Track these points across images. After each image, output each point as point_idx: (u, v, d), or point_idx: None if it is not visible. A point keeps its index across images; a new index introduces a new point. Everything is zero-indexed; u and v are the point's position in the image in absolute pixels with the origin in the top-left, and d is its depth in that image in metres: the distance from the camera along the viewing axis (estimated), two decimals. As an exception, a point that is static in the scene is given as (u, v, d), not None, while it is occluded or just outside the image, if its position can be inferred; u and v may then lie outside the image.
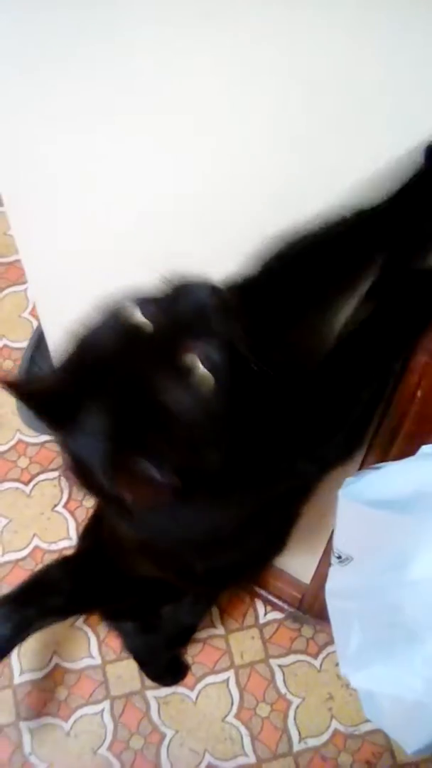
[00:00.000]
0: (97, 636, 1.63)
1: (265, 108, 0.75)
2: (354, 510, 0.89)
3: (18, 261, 2.00)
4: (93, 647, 1.62)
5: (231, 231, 0.88)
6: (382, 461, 0.95)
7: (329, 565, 1.01)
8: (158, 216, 0.92)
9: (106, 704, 1.58)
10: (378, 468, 0.91)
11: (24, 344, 1.88)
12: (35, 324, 1.92)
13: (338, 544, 0.95)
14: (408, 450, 0.92)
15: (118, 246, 1.01)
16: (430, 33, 0.64)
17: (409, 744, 0.97)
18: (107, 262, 1.05)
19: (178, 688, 1.59)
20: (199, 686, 1.59)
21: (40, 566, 1.68)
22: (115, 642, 1.62)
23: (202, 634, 1.63)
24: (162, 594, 1.34)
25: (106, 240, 1.01)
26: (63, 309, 1.22)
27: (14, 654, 1.59)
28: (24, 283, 1.99)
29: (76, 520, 1.73)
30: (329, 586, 0.99)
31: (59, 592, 1.28)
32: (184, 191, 0.88)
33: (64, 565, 1.36)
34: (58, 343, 1.29)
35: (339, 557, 0.96)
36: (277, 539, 1.17)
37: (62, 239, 1.06)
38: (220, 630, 1.64)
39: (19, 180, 1.00)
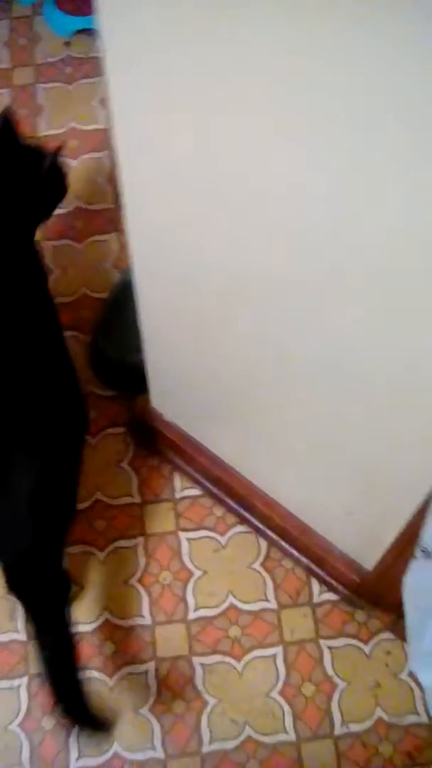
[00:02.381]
0: (150, 595, 1.62)
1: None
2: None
3: (105, 210, 1.99)
4: (144, 606, 1.61)
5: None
6: None
7: (409, 558, 0.98)
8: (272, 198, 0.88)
9: (151, 665, 1.57)
10: None
11: (104, 295, 1.87)
12: (117, 275, 1.90)
13: (427, 539, 0.91)
14: None
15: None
16: None
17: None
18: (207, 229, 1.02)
19: (225, 658, 1.57)
20: (247, 658, 1.58)
21: (101, 520, 1.68)
22: (167, 602, 1.61)
23: (253, 607, 1.62)
24: None
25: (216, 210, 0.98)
26: (158, 260, 1.19)
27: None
28: (108, 232, 1.97)
29: (139, 477, 1.72)
30: (410, 580, 0.96)
31: None
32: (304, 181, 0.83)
33: None
34: (149, 295, 1.27)
35: (424, 551, 0.93)
36: None
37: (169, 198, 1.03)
38: (272, 604, 1.62)
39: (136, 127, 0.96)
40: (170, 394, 1.57)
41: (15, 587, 1.29)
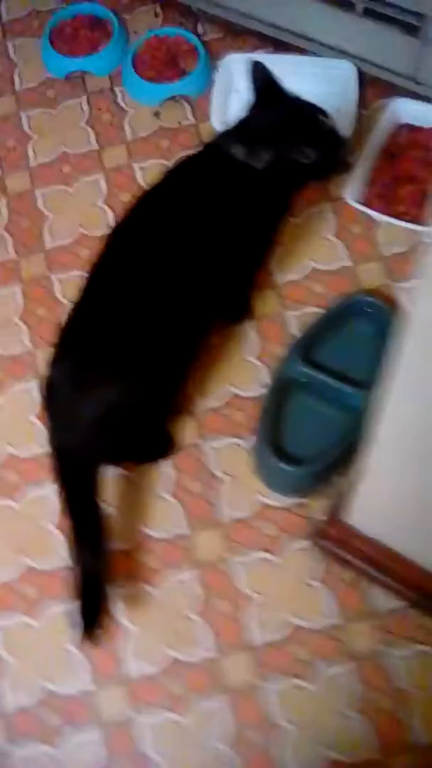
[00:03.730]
0: (374, 725, 1.48)
1: None
2: None
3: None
4: (371, 735, 1.48)
5: None
6: None
7: None
8: None
9: None
10: None
11: (253, 393, 1.73)
12: (264, 370, 1.76)
13: None
14: None
15: None
16: None
17: None
18: None
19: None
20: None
21: (302, 651, 1.54)
22: (390, 730, 1.48)
23: None
24: None
25: None
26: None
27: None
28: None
29: (335, 594, 1.58)
30: None
31: None
32: None
33: None
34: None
35: None
36: None
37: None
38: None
39: None
40: (375, 515, 1.43)
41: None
